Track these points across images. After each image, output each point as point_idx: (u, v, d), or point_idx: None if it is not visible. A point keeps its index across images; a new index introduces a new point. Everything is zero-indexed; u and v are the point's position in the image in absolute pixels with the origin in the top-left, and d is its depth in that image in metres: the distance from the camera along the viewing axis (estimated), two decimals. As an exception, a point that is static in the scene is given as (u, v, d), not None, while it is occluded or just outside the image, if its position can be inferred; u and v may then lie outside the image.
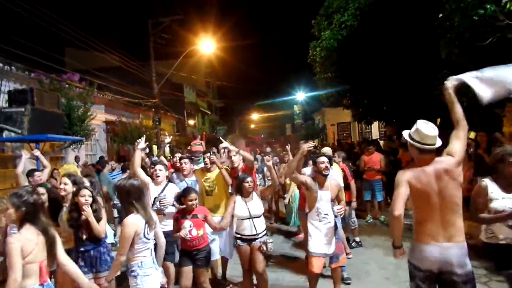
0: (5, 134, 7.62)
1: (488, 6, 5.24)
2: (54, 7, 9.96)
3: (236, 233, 3.99)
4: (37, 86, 9.04)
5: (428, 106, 8.85)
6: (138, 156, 4.08)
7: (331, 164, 4.14)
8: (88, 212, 3.40)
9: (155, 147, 18.11)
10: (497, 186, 2.97)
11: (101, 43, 13.67)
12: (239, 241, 3.95)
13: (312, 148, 4.21)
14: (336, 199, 3.98)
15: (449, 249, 2.39)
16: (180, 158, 5.04)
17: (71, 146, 10.31)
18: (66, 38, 11.12)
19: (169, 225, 4.03)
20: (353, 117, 15.82)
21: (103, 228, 3.58)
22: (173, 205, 4.06)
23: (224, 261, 4.79)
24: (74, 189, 3.86)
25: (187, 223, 3.63)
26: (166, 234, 3.67)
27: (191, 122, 30.74)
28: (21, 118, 7.11)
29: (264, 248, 3.83)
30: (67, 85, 9.96)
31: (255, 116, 52.00)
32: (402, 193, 2.47)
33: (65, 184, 3.85)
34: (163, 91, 19.38)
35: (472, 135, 5.68)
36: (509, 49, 5.19)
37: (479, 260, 4.97)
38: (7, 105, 7.71)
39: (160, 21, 17.11)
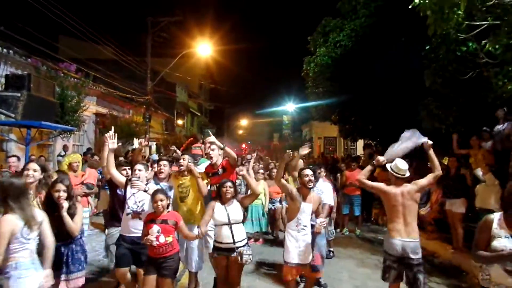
0: (-3, 117, 7.69)
1: (470, 44, 5.71)
2: None
3: (215, 241, 3.86)
4: (33, 72, 9.12)
5: (410, 128, 9.31)
6: (111, 155, 3.89)
7: (315, 178, 4.14)
8: (64, 208, 3.27)
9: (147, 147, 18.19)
10: (504, 223, 2.57)
11: (97, 34, 13.68)
12: (216, 252, 3.82)
13: (292, 157, 4.40)
14: (315, 212, 4.05)
15: (408, 242, 3.60)
16: (159, 160, 4.78)
17: (61, 135, 10.36)
18: (61, 26, 11.06)
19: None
20: (340, 132, 16.26)
21: (78, 225, 3.38)
22: (145, 190, 3.81)
23: (193, 274, 4.49)
24: (42, 176, 3.78)
25: (155, 228, 3.39)
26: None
27: (180, 122, 30.78)
28: (16, 103, 7.17)
29: (239, 259, 3.66)
30: (62, 74, 10.05)
31: (244, 122, 52.32)
32: (378, 184, 3.98)
33: (34, 171, 3.65)
34: (156, 88, 19.48)
35: (445, 160, 6.09)
36: (486, 85, 5.63)
37: (441, 277, 5.36)
38: (2, 88, 7.76)
39: (159, 20, 17.33)
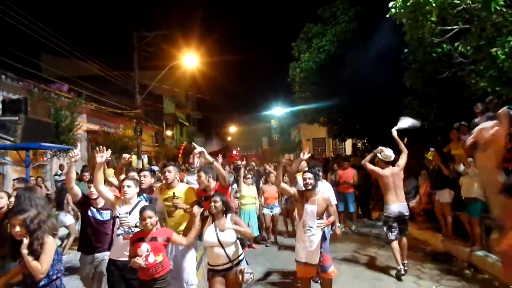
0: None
1: (445, 46, 6.15)
2: (32, 12, 9.82)
3: (208, 264, 3.52)
4: (26, 95, 9.28)
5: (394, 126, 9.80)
6: (99, 171, 3.53)
7: (317, 180, 4.13)
8: (23, 245, 2.64)
9: (134, 157, 18.33)
10: None
11: (81, 50, 13.51)
12: (211, 274, 3.48)
13: (289, 161, 4.66)
14: (327, 213, 4.07)
15: (400, 205, 5.19)
16: (140, 171, 4.57)
17: (56, 155, 10.50)
18: (42, 44, 10.79)
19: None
20: (328, 133, 16.73)
21: (43, 266, 2.66)
22: (137, 226, 3.41)
23: None
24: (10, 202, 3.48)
25: (144, 247, 3.12)
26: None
27: (169, 133, 30.89)
28: (15, 127, 7.39)
29: (240, 277, 3.32)
30: (55, 95, 10.22)
31: (232, 129, 52.58)
32: (375, 168, 5.39)
33: (1, 198, 3.38)
34: (144, 102, 19.61)
35: (430, 155, 6.50)
36: (462, 82, 6.08)
37: (433, 263, 5.76)
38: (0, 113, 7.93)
39: (145, 35, 17.48)
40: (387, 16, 5.29)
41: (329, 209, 4.11)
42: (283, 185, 4.28)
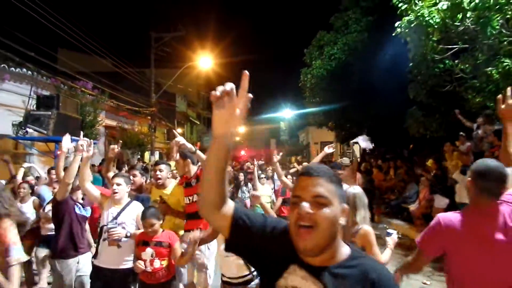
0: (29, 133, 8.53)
1: (447, 62, 6.65)
2: (52, 6, 9.89)
3: (222, 276, 3.12)
4: (55, 91, 9.98)
5: (399, 134, 10.30)
6: (86, 166, 3.16)
7: None
8: None
9: (147, 154, 19.03)
10: None
11: (98, 46, 13.64)
12: (226, 286, 3.08)
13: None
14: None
15: None
16: (130, 168, 4.32)
17: (79, 148, 11.20)
18: (61, 38, 10.98)
19: (130, 261, 3.16)
20: (336, 138, 17.22)
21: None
22: (128, 236, 3.13)
23: None
24: None
25: (148, 252, 2.98)
26: (128, 271, 3.11)
27: (180, 130, 31.63)
28: (48, 121, 8.03)
29: None
30: (80, 92, 10.92)
31: (241, 129, 53.25)
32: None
33: None
34: (158, 100, 20.28)
35: (430, 162, 6.99)
36: (461, 97, 6.58)
37: (434, 262, 6.24)
38: (34, 108, 8.61)
39: (162, 35, 18.15)
40: (393, 34, 5.81)
41: None
42: (284, 178, 4.57)
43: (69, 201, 3.50)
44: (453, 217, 2.01)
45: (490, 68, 5.33)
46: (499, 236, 1.86)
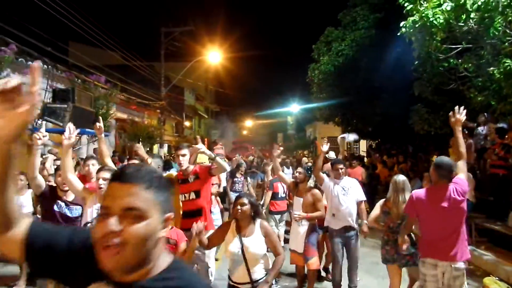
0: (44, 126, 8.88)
1: (452, 60, 6.78)
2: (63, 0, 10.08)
3: (229, 278, 2.96)
4: (69, 85, 10.31)
5: (404, 131, 10.45)
6: (67, 156, 2.94)
7: (307, 175, 4.59)
8: None
9: (156, 147, 19.39)
10: None
11: (109, 39, 13.93)
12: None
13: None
14: (315, 208, 4.24)
15: None
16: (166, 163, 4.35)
17: (92, 140, 11.56)
18: (71, 31, 11.51)
19: None
20: (343, 133, 17.36)
21: None
22: None
23: None
24: None
25: None
26: None
27: (187, 124, 31.99)
28: (63, 113, 8.37)
29: None
30: (94, 85, 11.25)
31: (248, 123, 53.46)
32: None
33: None
34: (167, 93, 20.57)
35: (434, 158, 7.17)
36: (465, 95, 6.72)
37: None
38: (50, 101, 8.96)
39: (172, 30, 18.37)
40: (398, 34, 5.97)
41: (317, 205, 4.26)
42: (281, 173, 4.73)
43: (47, 197, 3.32)
44: (421, 192, 3.26)
45: (492, 68, 5.48)
46: (445, 203, 3.07)
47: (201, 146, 3.54)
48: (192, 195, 3.56)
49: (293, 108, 37.40)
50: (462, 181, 3.16)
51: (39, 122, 8.61)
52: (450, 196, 3.06)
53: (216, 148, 7.31)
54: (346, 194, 4.25)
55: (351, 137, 6.25)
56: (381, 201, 4.02)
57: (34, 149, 2.91)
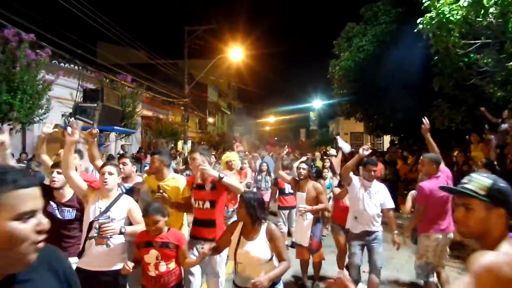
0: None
1: (472, 55, 6.72)
2: (90, 2, 10.49)
3: (234, 283, 2.74)
4: (98, 85, 10.88)
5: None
6: (69, 152, 2.73)
7: (310, 171, 4.60)
8: None
9: (180, 143, 19.94)
10: None
11: (134, 39, 14.35)
12: None
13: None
14: (318, 201, 4.27)
15: None
16: (121, 156, 3.99)
17: (120, 137, 12.15)
18: (100, 32, 11.46)
19: (119, 263, 2.75)
20: (365, 129, 17.24)
21: None
22: (122, 232, 2.76)
23: None
24: None
25: (152, 254, 2.63)
26: (116, 274, 2.72)
27: (211, 120, 32.56)
28: (93, 112, 8.87)
29: None
30: (120, 85, 11.79)
31: (271, 119, 53.61)
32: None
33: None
34: (191, 91, 21.05)
35: (456, 154, 7.11)
36: (484, 90, 6.64)
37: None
38: (81, 100, 9.52)
39: (195, 29, 18.78)
40: (415, 30, 5.99)
41: (320, 197, 4.27)
42: (281, 172, 4.74)
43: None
44: (429, 184, 3.74)
45: (511, 63, 5.42)
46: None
47: (204, 165, 3.19)
48: (207, 205, 3.32)
49: (316, 104, 37.27)
50: (445, 168, 3.96)
51: (71, 120, 9.19)
52: (447, 182, 3.78)
53: (236, 146, 7.51)
54: (372, 198, 3.96)
55: (346, 148, 6.12)
56: (413, 192, 4.45)
57: (68, 145, 2.71)
